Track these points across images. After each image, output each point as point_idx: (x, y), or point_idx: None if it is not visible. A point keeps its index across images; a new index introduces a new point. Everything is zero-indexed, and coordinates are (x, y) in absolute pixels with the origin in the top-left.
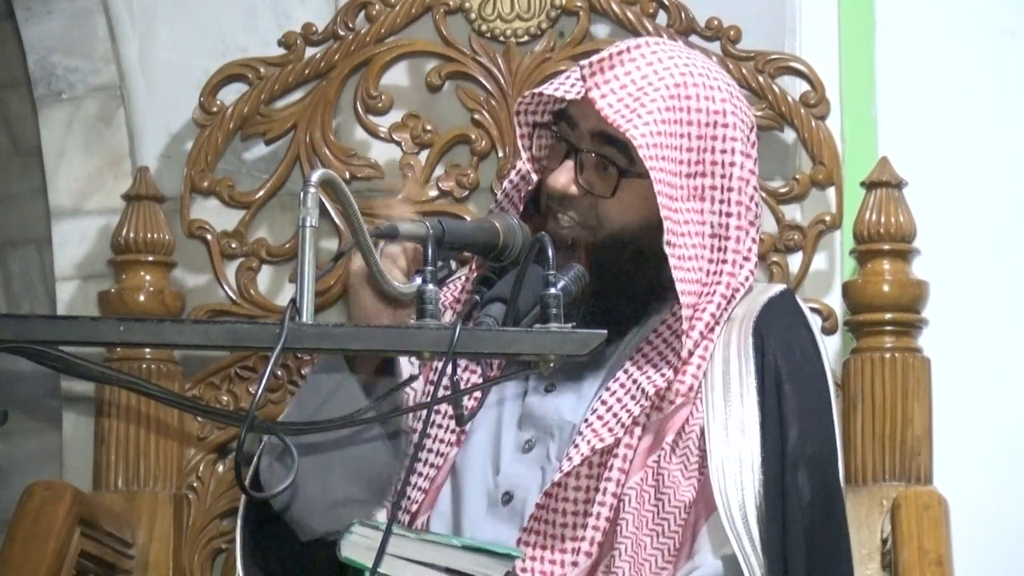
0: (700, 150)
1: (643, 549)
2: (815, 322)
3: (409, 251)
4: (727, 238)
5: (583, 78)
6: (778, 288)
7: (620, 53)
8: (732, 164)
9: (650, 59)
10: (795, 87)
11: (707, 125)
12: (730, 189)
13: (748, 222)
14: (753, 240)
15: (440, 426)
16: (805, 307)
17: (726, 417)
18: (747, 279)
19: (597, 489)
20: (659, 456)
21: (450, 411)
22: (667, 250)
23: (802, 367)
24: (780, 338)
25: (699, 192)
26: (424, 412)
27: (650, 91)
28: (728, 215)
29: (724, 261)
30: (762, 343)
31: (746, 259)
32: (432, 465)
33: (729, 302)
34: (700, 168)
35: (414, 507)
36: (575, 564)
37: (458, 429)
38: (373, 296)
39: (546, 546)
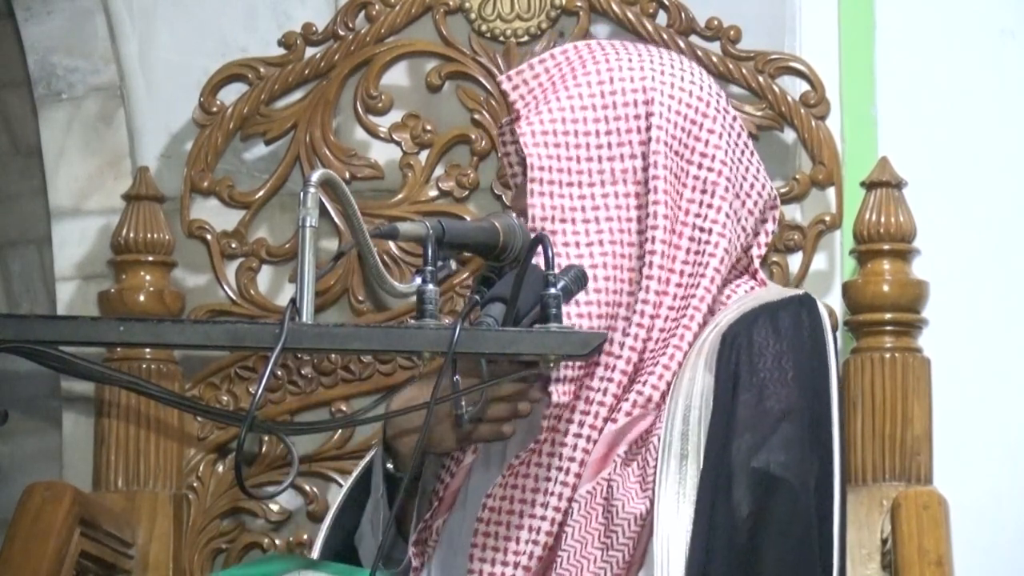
0: (620, 131)
1: (590, 562)
2: (824, 330)
3: None
4: (655, 227)
5: (506, 92)
6: (784, 294)
7: (542, 60)
8: (655, 143)
9: (571, 56)
10: (795, 87)
11: (626, 105)
12: (655, 177)
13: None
14: (717, 233)
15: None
16: (820, 313)
17: (684, 429)
18: (703, 270)
19: (547, 493)
20: (610, 471)
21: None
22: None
23: (772, 375)
24: (750, 344)
25: (630, 175)
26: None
27: (566, 79)
28: (655, 203)
29: (641, 256)
30: (724, 349)
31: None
32: (448, 471)
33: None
34: (628, 150)
35: (428, 514)
36: None
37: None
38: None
39: (497, 548)
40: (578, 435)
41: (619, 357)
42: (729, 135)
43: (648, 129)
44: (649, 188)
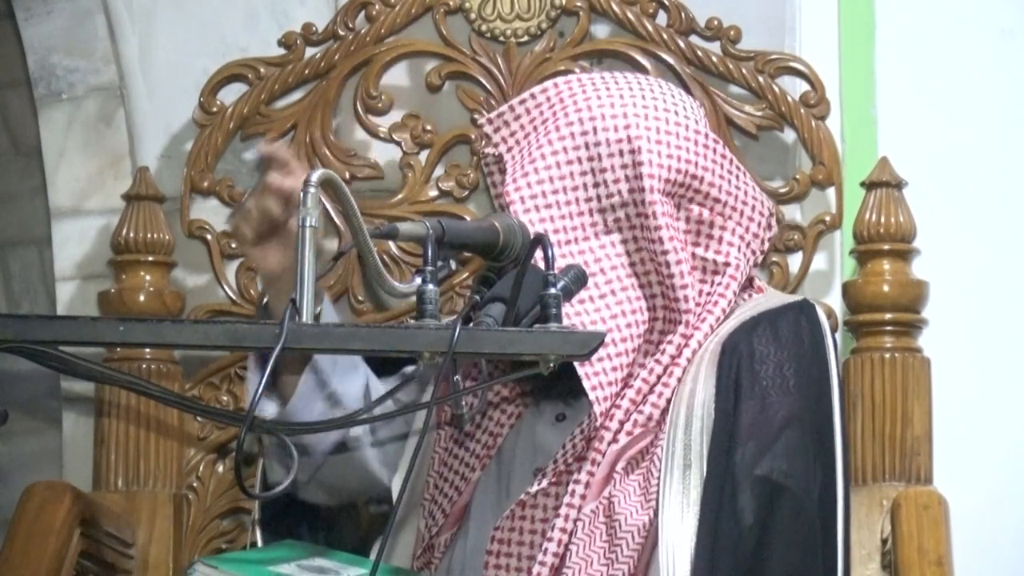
0: (608, 182)
1: None
2: (825, 337)
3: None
4: (656, 271)
5: (488, 134)
6: (783, 300)
7: (523, 102)
8: (643, 191)
9: (552, 98)
10: (795, 87)
11: (611, 156)
12: (647, 228)
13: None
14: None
15: (468, 449)
16: (820, 319)
17: (687, 439)
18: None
19: (555, 516)
20: (611, 487)
21: (478, 435)
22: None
23: (773, 383)
24: (751, 353)
25: (624, 222)
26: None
27: (548, 126)
28: (663, 252)
29: (654, 295)
30: (724, 358)
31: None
32: (455, 487)
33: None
34: (619, 199)
35: (434, 529)
36: None
37: (483, 454)
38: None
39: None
40: (583, 459)
41: (630, 387)
42: (721, 165)
43: (639, 178)
44: (653, 238)
